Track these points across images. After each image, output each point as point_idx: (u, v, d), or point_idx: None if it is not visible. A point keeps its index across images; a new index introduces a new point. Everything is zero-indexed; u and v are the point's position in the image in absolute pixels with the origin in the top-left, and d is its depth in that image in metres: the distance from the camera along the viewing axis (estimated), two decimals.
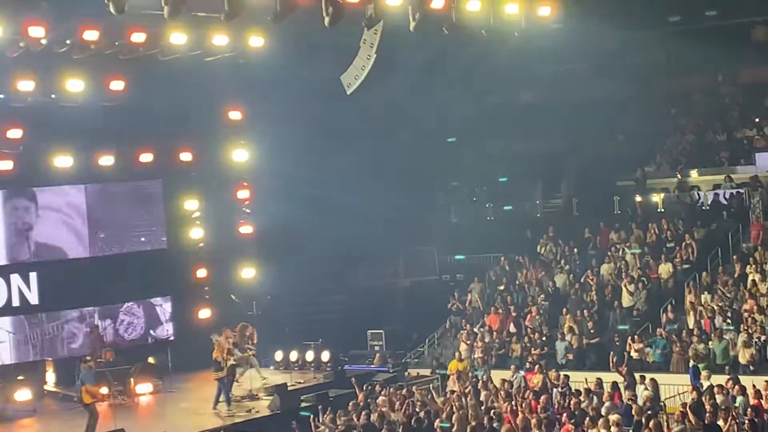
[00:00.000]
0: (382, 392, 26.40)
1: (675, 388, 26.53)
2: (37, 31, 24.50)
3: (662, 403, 25.01)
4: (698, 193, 36.06)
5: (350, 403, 25.65)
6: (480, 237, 38.38)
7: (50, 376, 30.82)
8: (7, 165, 29.92)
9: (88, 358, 27.46)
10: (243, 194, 35.40)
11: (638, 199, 36.93)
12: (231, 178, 35.30)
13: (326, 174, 35.39)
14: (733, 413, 21.12)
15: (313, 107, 33.91)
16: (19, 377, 29.59)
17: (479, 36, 27.63)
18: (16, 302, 31.73)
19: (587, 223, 36.06)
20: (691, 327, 29.10)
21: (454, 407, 23.68)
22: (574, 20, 29.17)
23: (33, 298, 32.00)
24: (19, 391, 28.74)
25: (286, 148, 34.35)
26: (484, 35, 27.42)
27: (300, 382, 30.74)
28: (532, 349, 30.52)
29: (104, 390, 26.73)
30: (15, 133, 29.42)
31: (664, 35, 37.58)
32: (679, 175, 37.72)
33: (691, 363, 27.19)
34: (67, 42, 25.47)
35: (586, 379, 25.39)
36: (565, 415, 22.23)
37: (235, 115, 34.36)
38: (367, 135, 36.52)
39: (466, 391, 25.58)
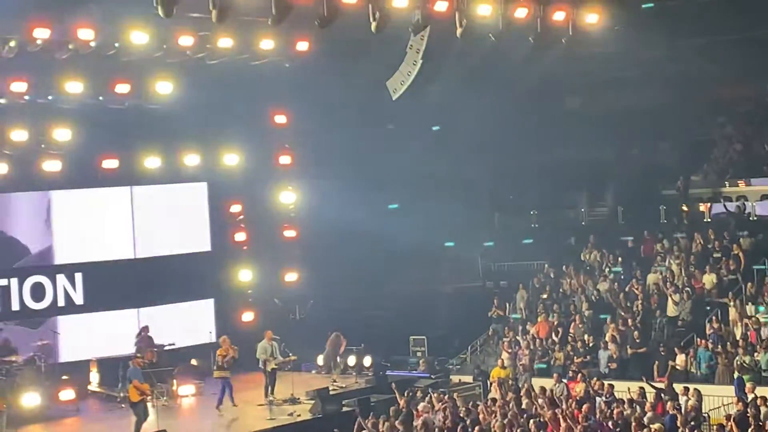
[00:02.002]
0: (425, 398, 26.38)
1: (720, 399, 26.29)
2: (86, 34, 24.80)
3: (706, 415, 24.81)
4: (745, 203, 35.77)
5: (391, 409, 25.64)
6: (524, 244, 38.25)
7: (94, 377, 31.04)
8: (55, 166, 30.16)
9: (139, 356, 27.59)
10: (287, 198, 35.49)
11: (684, 208, 36.69)
12: (275, 182, 35.40)
13: (371, 178, 35.43)
14: None
15: (358, 111, 33.98)
16: (64, 377, 29.80)
17: (525, 43, 27.58)
18: (61, 302, 32.01)
19: (632, 231, 35.87)
20: (736, 338, 28.85)
21: (497, 415, 23.61)
22: (622, 28, 29.02)
23: (78, 298, 32.26)
24: (63, 391, 28.94)
25: (331, 151, 34.44)
26: (530, 42, 27.36)
27: (342, 387, 30.75)
28: (575, 357, 30.38)
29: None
30: (63, 135, 29.64)
31: (712, 43, 37.30)
32: (726, 185, 37.43)
33: (736, 374, 26.95)
34: (116, 45, 25.71)
35: (628, 389, 25.22)
36: (609, 424, 22.12)
37: (280, 118, 34.48)
38: (411, 140, 36.54)
39: (508, 398, 25.48)
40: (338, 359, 32.31)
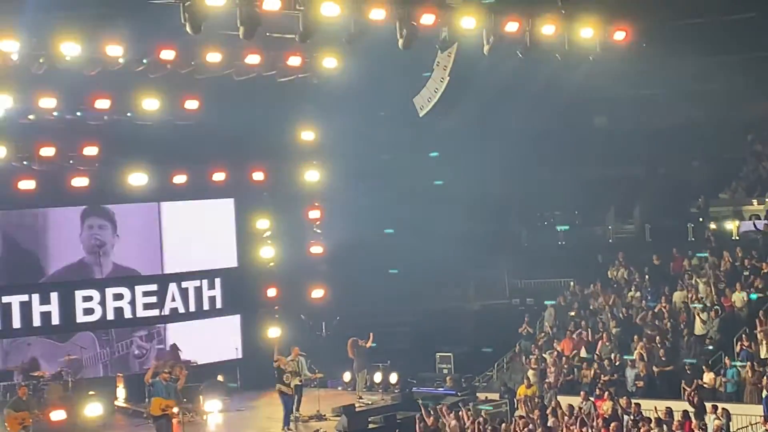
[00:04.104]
0: (450, 415, 26.32)
1: (747, 418, 26.12)
2: (115, 50, 24.94)
3: None
4: None
5: (418, 427, 25.61)
6: (551, 261, 38.16)
7: (120, 392, 31.13)
8: (83, 182, 30.33)
9: (167, 371, 27.67)
10: (314, 214, 35.53)
11: (712, 226, 36.51)
12: (302, 198, 35.43)
13: (397, 196, 35.41)
14: None
15: (385, 129, 34.00)
16: (90, 392, 29.85)
17: (553, 60, 27.52)
18: (88, 317, 32.12)
19: (660, 249, 35.71)
20: (763, 356, 28.64)
21: None
22: (650, 45, 28.93)
23: (105, 314, 32.36)
24: (89, 406, 28.98)
25: (357, 169, 34.48)
26: (558, 59, 27.31)
27: (368, 404, 30.70)
28: (602, 375, 30.21)
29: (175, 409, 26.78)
30: (91, 151, 29.83)
31: (741, 61, 37.14)
32: (754, 202, 37.22)
33: (765, 393, 26.74)
34: (144, 61, 25.88)
35: (655, 408, 25.09)
36: None
37: (307, 135, 34.50)
38: (438, 157, 36.54)
39: (535, 416, 25.40)
40: (366, 358, 32.09)
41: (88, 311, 32.12)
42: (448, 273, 37.77)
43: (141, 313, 32.96)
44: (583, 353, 31.83)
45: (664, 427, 23.43)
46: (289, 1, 22.08)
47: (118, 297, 32.56)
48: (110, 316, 32.44)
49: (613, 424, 23.38)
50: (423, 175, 36.82)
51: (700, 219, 37.10)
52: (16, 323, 31.04)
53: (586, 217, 40.29)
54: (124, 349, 32.74)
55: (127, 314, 32.77)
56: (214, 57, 26.47)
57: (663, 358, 29.88)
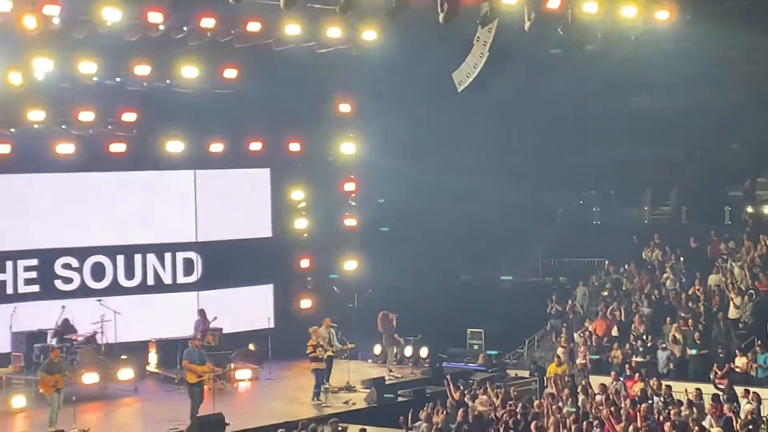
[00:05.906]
0: (480, 391, 26.35)
1: None
2: (156, 17, 24.97)
3: (765, 418, 24.51)
4: None
5: (447, 401, 25.64)
6: (585, 241, 38.03)
7: (153, 357, 31.29)
8: (120, 147, 30.50)
9: (198, 337, 27.70)
10: (349, 187, 35.55)
11: (749, 210, 36.26)
12: (338, 171, 35.48)
13: (433, 171, 35.37)
14: None
15: (423, 103, 33.93)
16: (123, 357, 30.05)
17: (595, 38, 27.33)
18: (122, 282, 32.33)
19: (696, 232, 35.51)
20: None
21: (550, 411, 23.53)
22: (693, 25, 28.67)
23: (137, 280, 32.57)
24: (121, 371, 29.19)
25: (394, 143, 34.46)
26: (599, 38, 27.11)
27: (398, 377, 30.76)
28: (633, 356, 30.12)
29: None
30: (129, 117, 29.96)
31: None
32: None
33: None
34: (185, 29, 25.89)
35: (686, 390, 25.01)
36: (667, 425, 21.89)
37: (345, 107, 34.49)
38: (474, 134, 36.43)
39: (564, 395, 25.38)
40: (396, 336, 32.21)
41: (121, 276, 32.32)
42: (481, 249, 37.70)
43: (173, 279, 33.11)
44: (614, 333, 31.75)
45: (695, 409, 23.34)
46: None
47: (150, 263, 32.73)
48: (143, 281, 32.62)
49: (644, 406, 23.31)
50: (459, 150, 36.68)
51: (746, 203, 36.76)
52: (53, 285, 31.32)
53: (622, 198, 40.09)
54: (153, 313, 32.80)
55: (160, 281, 32.95)
56: (254, 26, 26.44)
57: (698, 341, 29.71)
